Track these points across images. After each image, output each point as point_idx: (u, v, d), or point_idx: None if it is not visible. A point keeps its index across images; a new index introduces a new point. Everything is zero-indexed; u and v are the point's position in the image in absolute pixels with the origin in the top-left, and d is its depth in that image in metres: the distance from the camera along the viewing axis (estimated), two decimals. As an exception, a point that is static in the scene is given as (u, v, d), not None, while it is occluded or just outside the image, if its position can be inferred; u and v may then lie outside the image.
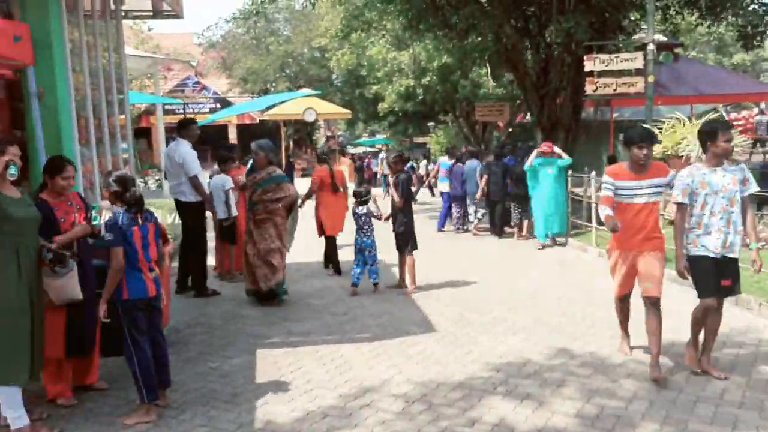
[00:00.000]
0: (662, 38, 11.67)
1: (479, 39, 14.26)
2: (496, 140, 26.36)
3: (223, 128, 30.60)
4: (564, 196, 10.82)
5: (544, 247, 10.79)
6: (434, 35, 16.00)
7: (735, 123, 15.78)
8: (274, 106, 26.54)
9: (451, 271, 8.91)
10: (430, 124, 33.64)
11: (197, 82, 31.63)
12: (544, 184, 10.60)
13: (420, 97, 23.59)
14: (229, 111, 26.06)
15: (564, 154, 10.54)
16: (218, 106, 30.16)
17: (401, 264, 8.06)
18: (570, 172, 10.97)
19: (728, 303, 6.80)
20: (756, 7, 13.29)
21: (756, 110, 21.33)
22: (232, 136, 30.66)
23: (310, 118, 26.19)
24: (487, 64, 19.40)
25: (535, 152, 10.69)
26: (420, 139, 36.72)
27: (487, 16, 13.30)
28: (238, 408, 4.57)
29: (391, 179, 7.90)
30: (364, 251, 7.77)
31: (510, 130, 23.69)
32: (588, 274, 8.68)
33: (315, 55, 35.12)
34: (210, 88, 31.84)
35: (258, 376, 5.20)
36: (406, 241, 7.87)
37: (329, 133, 38.07)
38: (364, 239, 7.79)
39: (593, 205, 10.12)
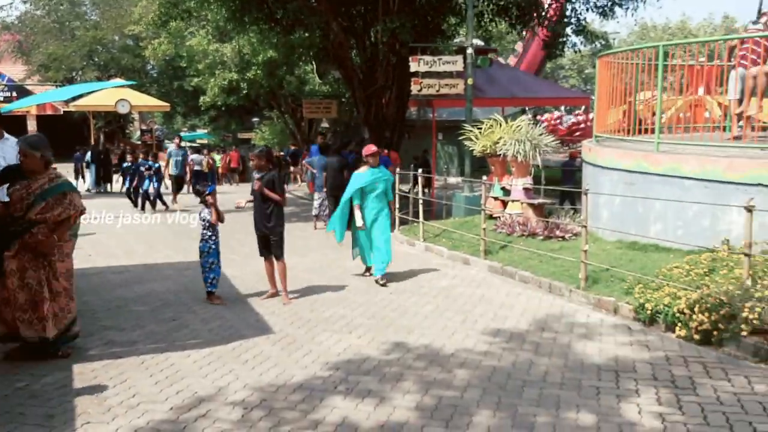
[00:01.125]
0: (480, 43, 12.42)
1: (306, 35, 14.20)
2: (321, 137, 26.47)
3: (20, 120, 27.65)
4: (388, 218, 8.38)
5: (368, 271, 8.46)
6: (259, 28, 15.68)
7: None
8: (81, 96, 24.53)
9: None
10: (255, 119, 32.99)
11: (-11, 67, 28.30)
12: (369, 202, 8.13)
13: (244, 92, 23.00)
14: (29, 100, 23.65)
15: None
16: (14, 94, 27.22)
17: (273, 271, 7.45)
18: (397, 169, 11.25)
19: (543, 291, 7.42)
20: (559, 18, 14.59)
21: (556, 113, 23.61)
22: (32, 128, 27.82)
23: (123, 110, 24.56)
24: (313, 61, 19.42)
25: (364, 168, 8.20)
26: (244, 135, 35.88)
27: (314, 12, 13.27)
28: (53, 431, 4.07)
29: (255, 177, 7.25)
30: (203, 255, 7.27)
31: (336, 129, 23.96)
32: (416, 267, 8.95)
33: (128, 43, 32.91)
34: (4, 74, 28.59)
35: (75, 393, 4.68)
36: (281, 244, 7.33)
37: (144, 127, 35.86)
38: (200, 243, 7.32)
39: (420, 201, 10.47)
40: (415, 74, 11.89)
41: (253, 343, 5.79)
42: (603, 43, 37.19)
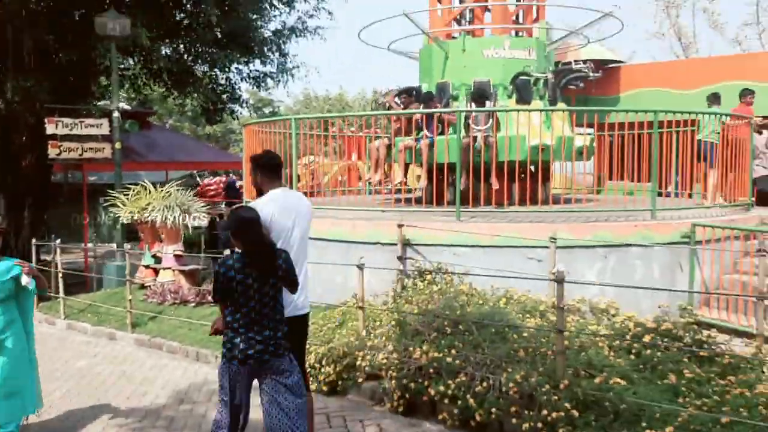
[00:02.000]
0: (126, 107, 12.04)
1: None
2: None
3: None
4: (25, 337, 4.94)
5: None
6: None
7: (208, 188, 17.32)
8: None
9: None
10: None
11: None
12: None
13: None
14: None
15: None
16: None
17: None
18: (34, 241, 10.11)
19: (190, 360, 7.28)
20: (214, 86, 14.95)
21: (225, 177, 23.97)
22: None
23: None
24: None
25: None
26: None
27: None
28: None
29: None
30: None
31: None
32: (53, 349, 8.06)
33: None
34: None
35: None
36: None
37: None
38: None
39: (60, 274, 9.53)
40: (53, 137, 10.97)
41: None
42: (271, 110, 39.34)
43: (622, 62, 14.07)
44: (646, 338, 5.42)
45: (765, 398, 4.50)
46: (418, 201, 9.39)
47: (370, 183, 10.20)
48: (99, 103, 13.12)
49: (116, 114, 10.68)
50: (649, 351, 5.34)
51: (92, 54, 11.55)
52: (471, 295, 6.46)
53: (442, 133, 8.78)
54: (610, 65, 13.32)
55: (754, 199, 9.78)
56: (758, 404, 4.44)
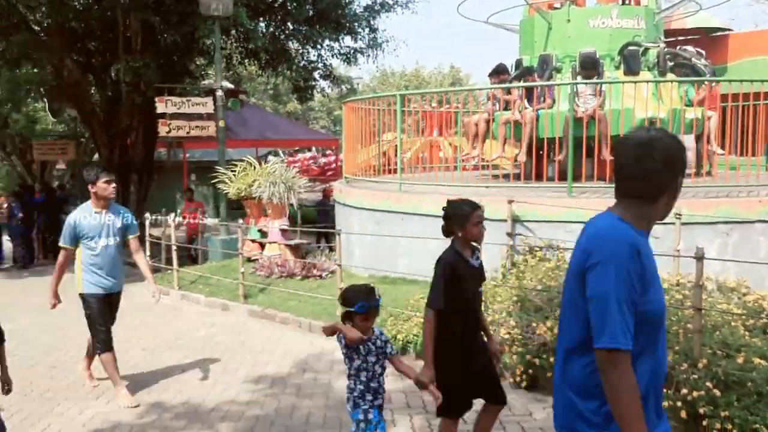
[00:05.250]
0: (229, 85, 12.41)
1: (35, 70, 12.92)
2: (58, 180, 24.13)
3: None
4: None
5: None
6: (-26, 61, 13.90)
7: (293, 164, 17.71)
8: None
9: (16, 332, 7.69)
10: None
11: None
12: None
13: (-42, 131, 20.12)
14: None
15: None
16: None
17: None
18: (147, 215, 10.62)
19: (303, 331, 7.50)
20: (306, 64, 15.16)
21: (309, 154, 24.43)
22: None
23: None
24: (45, 98, 17.70)
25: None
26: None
27: (43, 46, 12.13)
28: None
29: None
30: None
31: (76, 170, 21.95)
32: (172, 318, 8.50)
33: None
34: None
35: None
36: None
37: None
38: None
39: (173, 247, 9.98)
40: (163, 116, 11.44)
41: (-24, 425, 4.97)
42: (348, 87, 39.51)
43: (730, 30, 13.37)
44: (783, 318, 5.22)
45: None
46: (517, 177, 9.27)
47: (463, 160, 10.11)
48: (204, 83, 13.58)
49: (220, 93, 11.01)
50: (786, 331, 5.14)
51: (195, 34, 11.91)
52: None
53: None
54: (717, 33, 12.68)
55: None
56: None
